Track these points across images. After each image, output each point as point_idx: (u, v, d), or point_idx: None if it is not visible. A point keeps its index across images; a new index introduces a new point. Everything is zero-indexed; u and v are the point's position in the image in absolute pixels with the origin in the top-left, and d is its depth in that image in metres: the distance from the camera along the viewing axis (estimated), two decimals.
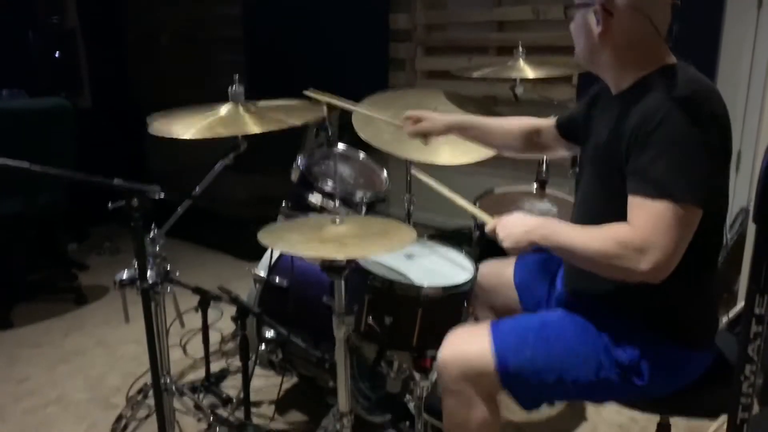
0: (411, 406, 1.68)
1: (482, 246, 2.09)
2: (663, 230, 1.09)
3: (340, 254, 1.35)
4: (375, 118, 1.87)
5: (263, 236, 1.36)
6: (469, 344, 1.33)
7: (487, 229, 1.35)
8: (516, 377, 1.28)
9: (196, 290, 1.85)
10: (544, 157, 2.20)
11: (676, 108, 1.11)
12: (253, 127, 1.64)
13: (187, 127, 1.60)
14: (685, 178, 1.10)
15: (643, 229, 1.11)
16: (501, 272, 1.65)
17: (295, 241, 1.40)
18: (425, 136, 1.69)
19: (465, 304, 1.62)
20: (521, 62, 2.23)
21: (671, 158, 1.11)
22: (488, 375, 1.28)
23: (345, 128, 2.10)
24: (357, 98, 1.99)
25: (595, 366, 1.26)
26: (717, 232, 1.26)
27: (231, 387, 2.26)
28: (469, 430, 1.34)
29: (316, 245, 1.36)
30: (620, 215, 1.17)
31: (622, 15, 1.20)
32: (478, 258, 1.76)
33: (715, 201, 1.19)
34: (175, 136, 1.55)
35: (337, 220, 1.42)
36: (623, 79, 1.27)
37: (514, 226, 1.28)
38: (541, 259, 1.60)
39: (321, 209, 1.91)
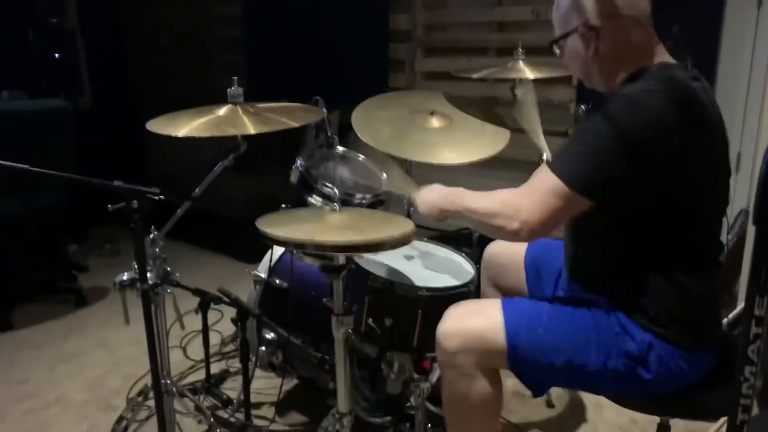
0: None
1: (482, 247, 2.09)
2: (539, 197, 1.18)
3: (354, 236, 1.31)
4: None
5: (262, 224, 1.29)
6: (477, 318, 1.31)
7: (410, 197, 1.50)
8: (525, 356, 1.26)
9: (196, 292, 1.85)
10: (544, 157, 2.20)
11: (617, 103, 1.16)
12: (252, 128, 1.63)
13: (185, 127, 1.60)
14: (579, 163, 1.17)
15: (525, 191, 1.22)
16: (513, 252, 1.64)
17: (306, 230, 1.37)
18: None
19: None
20: (521, 63, 2.23)
21: (578, 143, 1.20)
22: (495, 351, 1.26)
23: (345, 130, 2.10)
24: (356, 99, 1.99)
25: (604, 353, 1.25)
26: (696, 230, 1.24)
27: (231, 388, 2.26)
28: (470, 404, 1.30)
29: (326, 230, 1.35)
30: (608, 214, 1.19)
31: (605, 25, 1.25)
32: (478, 259, 1.76)
33: (672, 197, 1.18)
34: (172, 134, 1.55)
35: (336, 207, 1.42)
36: (614, 85, 1.30)
37: (430, 192, 1.44)
38: (554, 245, 1.57)
39: None
